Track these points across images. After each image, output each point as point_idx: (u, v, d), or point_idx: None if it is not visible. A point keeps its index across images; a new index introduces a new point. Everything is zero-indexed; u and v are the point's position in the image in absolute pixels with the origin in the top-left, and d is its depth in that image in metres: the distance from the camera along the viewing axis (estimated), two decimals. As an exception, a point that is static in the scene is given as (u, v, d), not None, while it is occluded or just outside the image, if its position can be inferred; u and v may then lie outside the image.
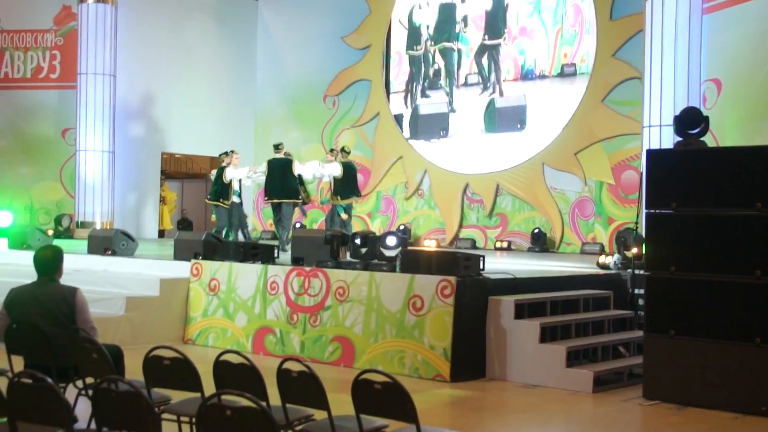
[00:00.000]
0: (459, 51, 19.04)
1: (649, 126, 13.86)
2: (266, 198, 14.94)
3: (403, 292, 9.08)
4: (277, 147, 14.98)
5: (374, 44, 20.44)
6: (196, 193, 24.40)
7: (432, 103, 19.40)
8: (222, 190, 15.01)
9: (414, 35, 19.94)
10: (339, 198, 15.13)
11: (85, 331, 6.06)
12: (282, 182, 14.56)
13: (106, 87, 19.23)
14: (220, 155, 15.69)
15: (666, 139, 13.10)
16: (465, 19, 19.00)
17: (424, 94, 19.57)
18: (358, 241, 10.36)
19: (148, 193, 20.63)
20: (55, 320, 6.11)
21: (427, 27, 19.69)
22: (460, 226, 18.63)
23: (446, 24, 19.37)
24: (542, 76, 17.68)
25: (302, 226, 19.36)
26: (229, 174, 14.98)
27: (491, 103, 18.27)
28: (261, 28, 22.48)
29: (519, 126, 17.82)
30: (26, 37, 20.31)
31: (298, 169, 14.73)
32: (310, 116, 21.30)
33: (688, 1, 13.63)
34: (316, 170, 15.43)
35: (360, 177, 20.13)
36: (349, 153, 16.04)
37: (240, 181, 15.20)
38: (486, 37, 18.63)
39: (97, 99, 19.11)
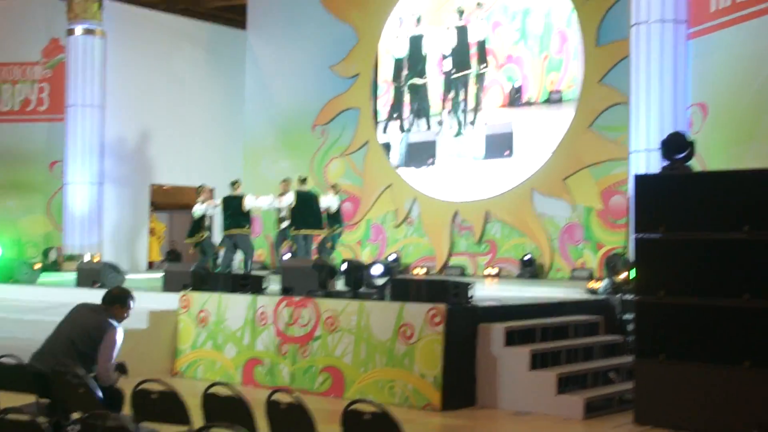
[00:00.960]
0: (425, 85, 19.36)
1: (636, 151, 13.92)
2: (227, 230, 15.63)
3: (392, 320, 9.06)
4: (233, 184, 15.73)
5: (363, 73, 20.50)
6: (185, 225, 24.24)
7: (420, 132, 19.45)
8: (242, 217, 15.53)
9: (396, 66, 20.04)
10: (293, 228, 15.71)
11: (100, 370, 6.09)
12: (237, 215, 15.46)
13: (94, 119, 19.23)
14: (198, 189, 16.04)
15: (653, 163, 13.14)
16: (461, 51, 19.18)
17: (412, 122, 19.61)
18: (345, 268, 10.35)
19: (137, 225, 20.58)
20: (77, 343, 6.21)
21: (405, 59, 19.92)
22: (450, 254, 18.60)
23: (416, 58, 19.59)
24: (529, 103, 17.76)
25: (293, 255, 19.33)
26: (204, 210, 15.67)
27: (478, 130, 18.33)
28: (249, 59, 22.53)
29: (507, 153, 17.88)
30: (14, 70, 20.34)
31: (249, 202, 15.42)
32: (299, 145, 21.32)
33: (672, 26, 13.75)
34: (272, 203, 16.06)
35: (349, 205, 20.24)
36: (304, 181, 16.32)
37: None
38: (453, 70, 18.84)
39: (85, 131, 19.11)
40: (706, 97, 13.46)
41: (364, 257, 19.31)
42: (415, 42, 19.67)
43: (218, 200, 15.82)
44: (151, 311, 10.85)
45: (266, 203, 16.08)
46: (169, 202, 25.17)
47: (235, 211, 15.37)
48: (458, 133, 18.74)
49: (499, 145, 17.99)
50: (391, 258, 18.74)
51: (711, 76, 13.48)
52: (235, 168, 21.49)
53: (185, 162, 21.06)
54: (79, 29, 19.28)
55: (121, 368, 6.43)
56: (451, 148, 18.86)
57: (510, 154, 17.80)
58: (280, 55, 21.97)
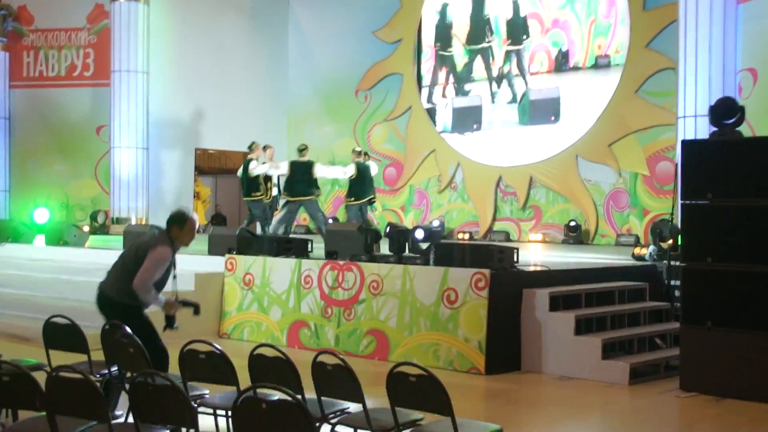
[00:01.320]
0: (489, 49, 18.97)
1: (684, 116, 13.71)
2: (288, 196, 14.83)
3: (437, 285, 9.07)
4: (301, 151, 14.87)
5: (405, 38, 20.41)
6: (230, 189, 24.55)
7: (465, 97, 19.36)
8: (313, 184, 14.79)
9: (445, 31, 19.86)
10: (353, 199, 14.96)
11: (136, 282, 6.21)
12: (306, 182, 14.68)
13: (139, 84, 19.36)
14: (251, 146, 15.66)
15: (701, 129, 12.95)
16: (489, 24, 19.01)
17: (460, 89, 19.49)
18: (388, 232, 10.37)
19: (182, 189, 20.76)
20: (127, 262, 6.37)
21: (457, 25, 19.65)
22: (494, 219, 18.58)
23: (477, 24, 19.31)
24: (576, 68, 17.57)
25: (335, 220, 19.40)
26: (256, 168, 14.87)
27: (525, 95, 18.20)
28: (292, 24, 22.53)
29: (553, 118, 17.72)
30: (60, 36, 20.52)
31: (320, 171, 14.72)
32: (342, 111, 21.34)
33: (722, -10, 13.48)
34: (338, 173, 15.56)
35: (393, 170, 20.27)
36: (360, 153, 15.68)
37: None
38: (509, 41, 18.62)
39: (130, 96, 19.26)
40: (755, 62, 13.21)
41: (408, 222, 19.36)
42: (476, 7, 19.46)
43: (283, 162, 14.99)
44: (198, 273, 10.97)
45: (334, 174, 15.69)
46: (213, 166, 25.38)
47: (304, 177, 14.80)
48: (508, 100, 18.59)
49: (546, 110, 17.84)
50: (435, 223, 18.73)
51: (761, 41, 13.21)
52: (279, 133, 21.58)
53: (229, 127, 21.16)
54: (123, -6, 19.39)
55: (195, 307, 6.54)
56: (496, 114, 18.73)
57: (556, 120, 17.64)
58: (322, 20, 21.95)
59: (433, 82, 20.00)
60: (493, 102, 18.84)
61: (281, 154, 20.34)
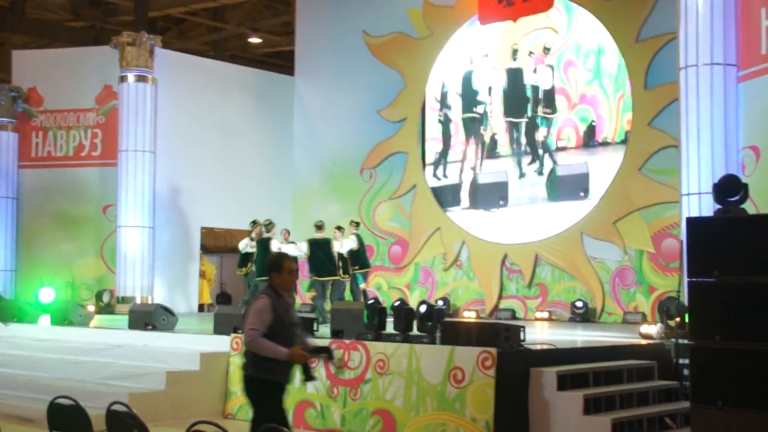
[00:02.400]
0: (521, 122, 18.89)
1: (688, 194, 13.78)
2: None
3: (443, 364, 9.02)
4: (319, 227, 15.90)
5: (409, 117, 20.62)
6: (236, 267, 24.49)
7: (491, 172, 19.17)
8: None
9: (469, 99, 19.85)
10: (359, 267, 15.90)
11: (244, 333, 6.44)
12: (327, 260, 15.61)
13: (146, 164, 19.56)
14: (253, 224, 16.00)
15: (705, 206, 13.02)
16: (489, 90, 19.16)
17: (483, 164, 19.39)
18: (422, 309, 10.27)
19: (188, 268, 20.78)
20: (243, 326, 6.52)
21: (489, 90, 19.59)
22: (500, 297, 18.52)
23: (513, 95, 19.17)
24: (605, 143, 17.39)
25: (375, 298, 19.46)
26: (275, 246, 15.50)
27: (552, 171, 18.10)
28: (298, 103, 22.80)
29: (582, 194, 17.52)
30: (69, 117, 20.79)
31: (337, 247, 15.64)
32: (347, 189, 21.45)
33: (722, 69, 13.63)
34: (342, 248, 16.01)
35: (398, 248, 20.29)
36: (358, 225, 16.68)
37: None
38: (539, 114, 18.58)
39: (137, 176, 19.43)
40: (758, 140, 13.31)
41: (414, 301, 19.29)
42: (468, 79, 19.65)
43: (302, 243, 15.78)
44: (203, 353, 10.93)
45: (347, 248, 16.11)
46: (219, 244, 25.41)
47: (327, 256, 15.49)
48: (536, 176, 18.51)
49: (574, 186, 17.64)
50: (440, 302, 18.68)
51: (763, 119, 13.33)
52: (285, 211, 21.68)
53: (235, 205, 21.27)
54: (131, 76, 19.70)
55: (328, 353, 6.60)
56: (524, 190, 18.67)
57: (585, 196, 17.43)
58: (327, 100, 22.21)
59: (442, 158, 19.99)
60: (520, 177, 18.65)
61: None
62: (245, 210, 21.19)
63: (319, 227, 16.05)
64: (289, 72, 23.13)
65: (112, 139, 20.05)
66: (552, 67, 18.31)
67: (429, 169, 20.25)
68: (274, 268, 6.50)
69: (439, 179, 20.05)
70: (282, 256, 6.71)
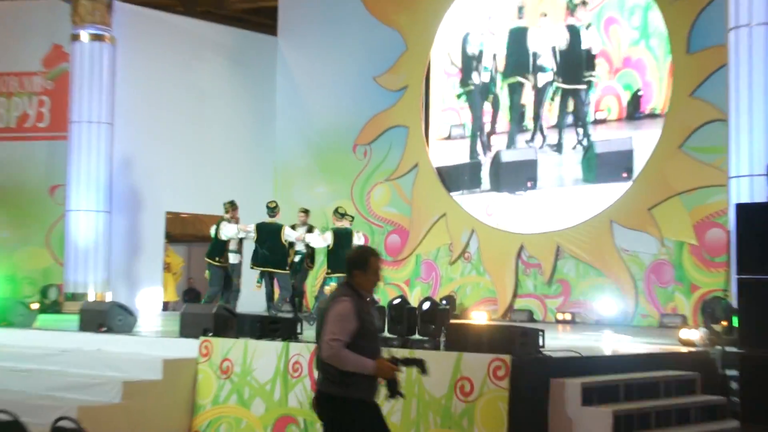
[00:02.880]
0: (546, 88, 18.75)
1: (738, 176, 13.72)
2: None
3: (448, 373, 8.95)
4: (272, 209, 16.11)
5: (412, 85, 20.56)
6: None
7: (516, 150, 19.03)
8: (217, 246, 16.12)
9: (470, 68, 19.84)
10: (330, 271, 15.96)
11: (321, 344, 6.15)
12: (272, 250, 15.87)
13: (102, 137, 19.45)
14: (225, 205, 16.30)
15: (757, 191, 12.94)
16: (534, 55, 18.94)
17: (511, 139, 19.25)
18: (425, 307, 10.23)
19: (150, 260, 20.73)
20: (318, 335, 6.29)
21: (494, 56, 19.54)
22: (515, 296, 18.51)
23: (517, 55, 19.15)
24: (653, 115, 17.17)
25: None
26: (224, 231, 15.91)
27: (590, 147, 17.95)
28: (281, 68, 22.73)
29: (625, 175, 17.37)
30: (10, 81, 20.67)
31: (288, 235, 15.85)
32: (338, 168, 21.41)
33: (779, 29, 13.59)
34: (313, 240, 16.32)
35: (396, 238, 20.24)
36: (343, 216, 16.51)
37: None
38: (560, 79, 18.47)
39: (91, 151, 19.33)
40: (820, 113, 13.27)
41: (414, 299, 19.26)
42: (517, 36, 19.29)
43: (327, 233, 16.06)
44: (166, 360, 10.85)
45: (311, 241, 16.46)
46: (186, 232, 25.34)
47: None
48: (559, 151, 18.43)
49: (616, 165, 17.46)
50: (445, 301, 18.65)
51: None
52: (265, 194, 21.57)
53: (206, 187, 21.21)
54: (84, 35, 19.59)
55: (420, 365, 6.29)
56: (555, 170, 18.52)
57: (629, 177, 17.28)
58: (315, 64, 22.14)
59: (463, 133, 19.91)
60: (558, 152, 18.44)
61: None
62: (218, 192, 21.08)
63: (305, 212, 16.49)
64: (271, 31, 23.04)
65: (62, 108, 19.96)
66: (588, 26, 18.17)
67: (436, 146, 20.16)
68: (359, 265, 6.27)
69: (454, 157, 19.98)
70: (368, 252, 6.38)
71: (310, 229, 16.58)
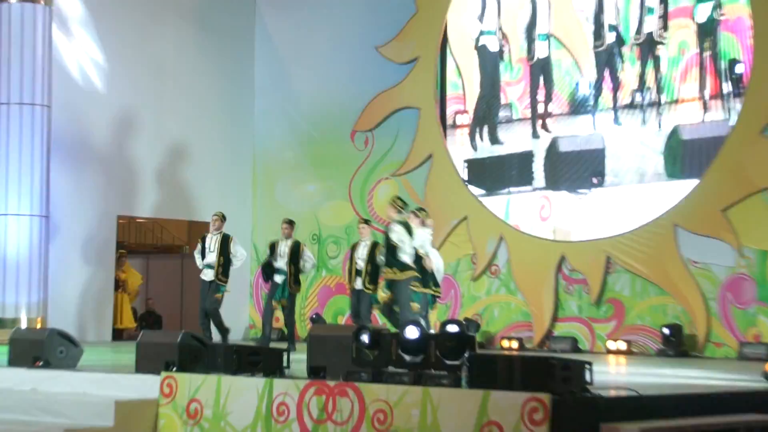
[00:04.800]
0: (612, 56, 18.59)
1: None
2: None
3: (472, 417, 8.93)
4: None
5: (424, 56, 20.56)
6: (168, 275, 24.46)
7: (575, 138, 18.89)
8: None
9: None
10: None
11: None
12: None
13: (36, 123, 19.38)
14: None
15: None
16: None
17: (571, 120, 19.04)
18: (365, 338, 10.24)
19: (99, 276, 20.71)
20: None
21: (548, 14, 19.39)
22: (555, 319, 18.50)
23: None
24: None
25: (319, 319, 19.34)
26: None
27: (674, 133, 17.78)
28: (261, 36, 22.77)
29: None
30: None
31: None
32: (332, 161, 21.46)
33: None
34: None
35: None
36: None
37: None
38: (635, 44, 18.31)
39: (23, 141, 19.26)
40: None
41: (431, 322, 19.26)
42: None
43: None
44: (119, 401, 10.81)
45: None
46: (144, 242, 25.37)
47: None
48: (634, 136, 18.19)
49: (708, 155, 17.23)
50: (464, 323, 18.64)
51: None
52: (241, 193, 21.65)
53: (168, 185, 21.19)
54: (14, -5, 19.62)
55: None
56: (620, 161, 18.38)
57: None
58: (304, 31, 22.20)
59: (470, 121, 19.95)
60: (634, 139, 18.20)
61: (245, 224, 20.49)
62: (181, 192, 21.19)
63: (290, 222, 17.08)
64: (249, -10, 23.13)
65: (-14, 86, 19.96)
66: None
67: (459, 133, 20.15)
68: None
69: (489, 146, 19.94)
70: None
71: (297, 245, 17.55)
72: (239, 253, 17.79)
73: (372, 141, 21.15)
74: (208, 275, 17.49)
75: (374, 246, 16.85)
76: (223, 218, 17.70)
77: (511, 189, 19.59)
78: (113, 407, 10.75)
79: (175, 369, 11.08)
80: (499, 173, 19.79)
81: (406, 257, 15.18)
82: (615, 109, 18.48)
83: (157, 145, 21.32)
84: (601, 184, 18.54)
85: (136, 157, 21.09)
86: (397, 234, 15.35)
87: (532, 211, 19.20)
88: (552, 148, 19.19)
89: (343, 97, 21.40)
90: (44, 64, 19.58)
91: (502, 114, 19.92)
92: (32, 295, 19.22)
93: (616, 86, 18.48)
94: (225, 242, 17.49)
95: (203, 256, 17.61)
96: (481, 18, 20.13)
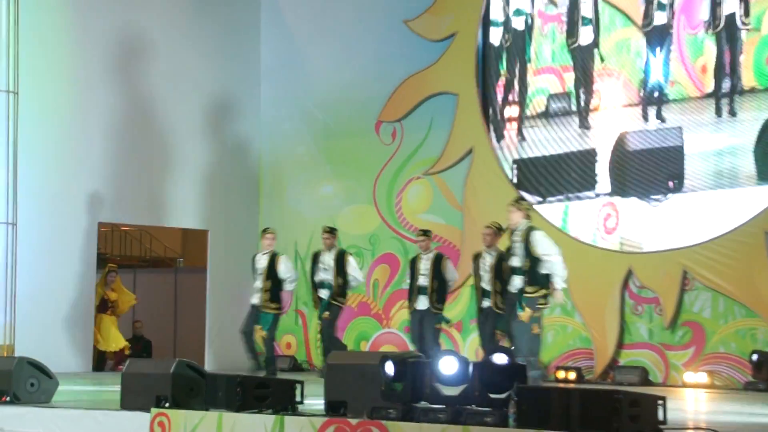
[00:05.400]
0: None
1: None
2: None
3: (522, 462, 8.95)
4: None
5: (462, 31, 20.56)
6: (159, 293, 24.48)
7: (651, 131, 18.76)
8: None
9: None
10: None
11: None
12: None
13: (2, 112, 19.50)
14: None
15: None
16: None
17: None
18: (389, 370, 10.24)
19: (79, 295, 20.74)
20: None
21: None
22: (620, 346, 18.46)
23: None
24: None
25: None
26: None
27: (765, 130, 17.64)
28: (267, 11, 22.77)
29: None
30: None
31: None
32: (353, 158, 21.49)
33: None
34: None
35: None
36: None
37: None
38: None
39: (-14, 133, 19.43)
40: None
41: (468, 348, 19.28)
42: None
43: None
44: (101, 443, 10.89)
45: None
46: (131, 254, 25.41)
47: None
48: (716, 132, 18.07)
49: None
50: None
51: None
52: (246, 196, 21.66)
53: (158, 187, 21.24)
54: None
55: None
56: (700, 163, 18.26)
57: None
58: (319, 3, 22.16)
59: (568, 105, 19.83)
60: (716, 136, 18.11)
61: (251, 233, 20.52)
62: (174, 195, 21.19)
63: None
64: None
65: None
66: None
67: (507, 128, 20.15)
68: None
69: (544, 143, 19.92)
70: None
71: (342, 254, 18.14)
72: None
73: (401, 133, 21.16)
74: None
75: (500, 258, 16.53)
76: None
77: (570, 195, 19.55)
78: (95, 450, 10.82)
79: (167, 405, 11.11)
80: (555, 176, 19.73)
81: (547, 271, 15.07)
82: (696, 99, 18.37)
83: (144, 141, 21.32)
84: (678, 188, 18.39)
85: (121, 155, 21.10)
86: (545, 245, 15.13)
87: (595, 221, 19.12)
88: (619, 146, 19.10)
89: (367, 81, 21.44)
90: (11, 44, 19.69)
91: (559, 105, 19.89)
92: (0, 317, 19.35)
93: (697, 71, 18.38)
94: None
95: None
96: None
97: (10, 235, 19.57)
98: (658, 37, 18.52)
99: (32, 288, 20.02)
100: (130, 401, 11.64)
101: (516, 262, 15.14)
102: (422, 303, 17.30)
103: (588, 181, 19.36)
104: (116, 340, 21.75)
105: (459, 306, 20.05)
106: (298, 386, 11.06)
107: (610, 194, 19.07)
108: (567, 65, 19.67)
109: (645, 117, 18.87)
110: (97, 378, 18.94)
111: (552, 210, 19.33)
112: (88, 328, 21.00)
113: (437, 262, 17.34)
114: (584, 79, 19.43)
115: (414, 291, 17.58)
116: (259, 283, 17.66)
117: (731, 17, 17.82)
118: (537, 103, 20.00)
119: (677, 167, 18.36)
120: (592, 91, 19.25)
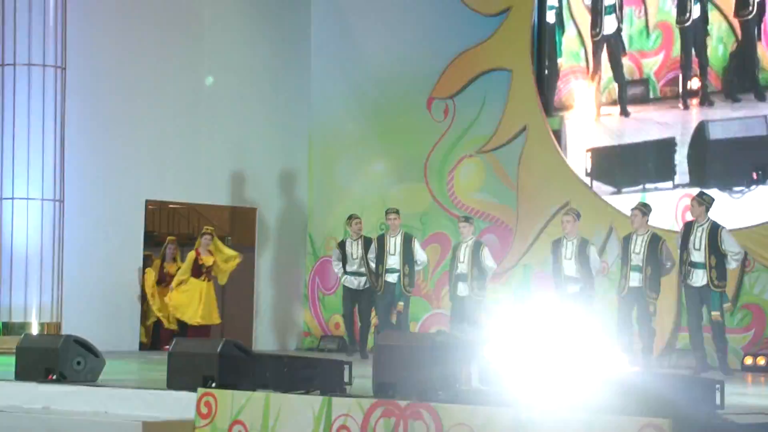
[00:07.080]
0: None
1: None
2: None
3: (579, 446, 8.88)
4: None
5: (517, 6, 20.47)
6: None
7: (727, 119, 18.53)
8: None
9: None
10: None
11: None
12: None
13: (49, 87, 19.55)
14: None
15: None
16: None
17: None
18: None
19: (124, 273, 20.86)
20: None
21: None
22: (678, 328, 18.34)
23: None
24: None
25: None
26: None
27: None
28: (318, -17, 22.83)
29: None
30: None
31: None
32: (404, 135, 21.45)
33: None
34: None
35: (494, 239, 20.14)
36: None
37: None
38: None
39: (33, 109, 19.43)
40: None
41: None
42: None
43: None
44: (148, 423, 10.88)
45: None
46: (179, 232, 25.43)
47: None
48: None
49: None
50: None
51: None
52: (294, 174, 21.65)
53: (206, 164, 21.26)
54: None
55: None
56: None
57: None
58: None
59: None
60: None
61: (299, 211, 20.52)
62: (222, 172, 21.20)
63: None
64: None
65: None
66: None
67: (581, 115, 20.04)
68: None
69: (618, 131, 19.82)
70: None
71: (410, 238, 18.72)
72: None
73: (453, 110, 21.10)
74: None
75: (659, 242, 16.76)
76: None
77: (647, 185, 19.40)
78: (141, 430, 10.82)
79: (214, 385, 11.12)
80: (631, 166, 19.60)
81: None
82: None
83: (191, 116, 21.35)
84: (763, 180, 18.21)
85: (168, 131, 21.15)
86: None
87: (673, 213, 18.91)
88: (699, 135, 18.91)
89: (418, 57, 21.38)
90: (58, 20, 19.70)
91: (635, 91, 19.72)
92: (44, 295, 19.39)
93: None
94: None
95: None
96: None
97: (57, 213, 19.60)
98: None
99: (79, 266, 20.11)
100: (176, 381, 11.67)
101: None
102: (462, 290, 17.38)
103: (665, 172, 19.23)
104: (212, 312, 21.05)
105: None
106: (347, 367, 11.06)
107: (688, 185, 18.88)
108: (646, 50, 19.47)
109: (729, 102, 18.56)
110: (144, 357, 19.01)
111: (627, 201, 19.16)
112: (135, 306, 21.06)
113: (476, 250, 17.56)
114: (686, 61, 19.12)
115: (452, 278, 17.91)
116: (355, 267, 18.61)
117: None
118: (611, 91, 19.88)
119: (762, 157, 18.15)
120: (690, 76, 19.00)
